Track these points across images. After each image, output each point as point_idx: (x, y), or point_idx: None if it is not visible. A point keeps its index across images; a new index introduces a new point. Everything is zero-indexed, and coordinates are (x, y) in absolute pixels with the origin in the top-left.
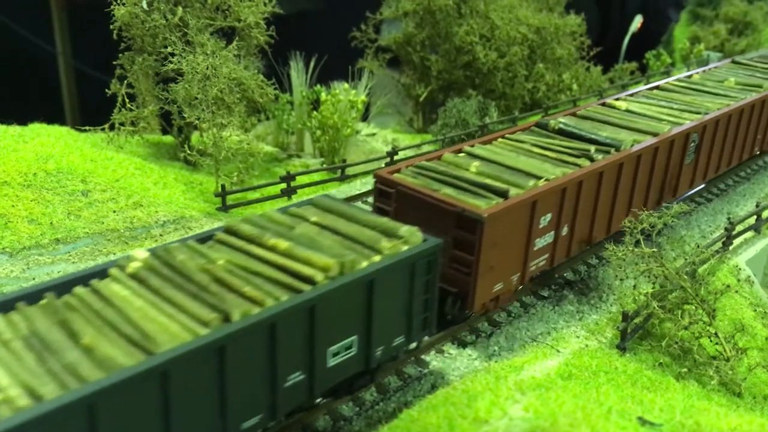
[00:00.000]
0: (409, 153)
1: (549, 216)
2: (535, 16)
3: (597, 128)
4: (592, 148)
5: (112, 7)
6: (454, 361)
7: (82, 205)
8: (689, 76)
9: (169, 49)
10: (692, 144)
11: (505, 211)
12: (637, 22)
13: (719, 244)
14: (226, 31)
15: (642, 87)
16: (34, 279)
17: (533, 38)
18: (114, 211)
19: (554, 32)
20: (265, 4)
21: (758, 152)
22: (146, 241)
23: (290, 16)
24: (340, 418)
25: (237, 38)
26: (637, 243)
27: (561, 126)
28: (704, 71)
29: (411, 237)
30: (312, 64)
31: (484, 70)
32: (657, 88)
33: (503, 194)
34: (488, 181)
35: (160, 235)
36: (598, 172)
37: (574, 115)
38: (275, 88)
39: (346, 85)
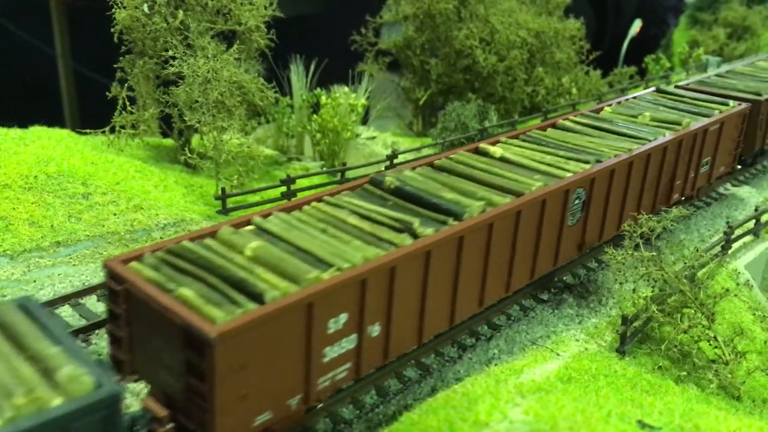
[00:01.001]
0: (409, 156)
1: (344, 316)
2: (534, 20)
3: (447, 186)
4: (416, 221)
5: (112, 10)
6: (453, 364)
7: (82, 208)
8: (599, 110)
9: (170, 53)
10: (577, 201)
11: (251, 325)
12: (637, 26)
13: (718, 248)
14: (226, 35)
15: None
16: (34, 281)
17: (533, 42)
18: (114, 214)
19: (554, 36)
20: (265, 8)
21: (682, 198)
22: (147, 244)
23: (290, 20)
24: (341, 421)
25: (237, 42)
26: (637, 247)
27: (397, 185)
28: (620, 102)
29: (71, 383)
30: (312, 67)
31: (483, 73)
32: (553, 126)
33: (257, 297)
34: (251, 275)
35: (161, 237)
36: (422, 252)
37: (431, 165)
38: (275, 92)
39: (346, 89)
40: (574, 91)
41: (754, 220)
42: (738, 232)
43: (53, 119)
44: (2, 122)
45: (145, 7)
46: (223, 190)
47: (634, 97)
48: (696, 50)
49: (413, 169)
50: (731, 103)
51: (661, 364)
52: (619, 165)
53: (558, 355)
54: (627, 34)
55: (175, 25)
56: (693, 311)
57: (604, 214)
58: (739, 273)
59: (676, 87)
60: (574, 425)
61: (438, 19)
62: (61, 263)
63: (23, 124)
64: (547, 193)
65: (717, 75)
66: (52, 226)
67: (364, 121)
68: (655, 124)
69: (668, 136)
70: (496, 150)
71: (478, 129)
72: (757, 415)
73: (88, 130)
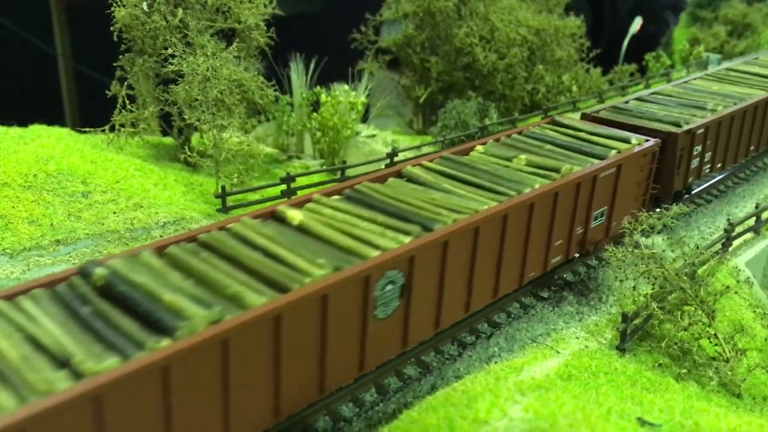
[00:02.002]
0: (409, 154)
1: None
2: (534, 18)
3: (196, 274)
4: (79, 354)
5: (112, 8)
6: (453, 362)
7: (82, 207)
8: (467, 150)
9: (170, 51)
10: (389, 287)
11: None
12: (637, 23)
13: (719, 246)
14: (226, 33)
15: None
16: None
17: (533, 40)
18: (114, 213)
19: (554, 34)
20: (265, 6)
21: (567, 260)
22: (146, 243)
23: (290, 18)
24: (340, 419)
25: (237, 40)
26: (637, 244)
27: (108, 280)
28: (499, 140)
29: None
30: (312, 65)
31: (483, 71)
32: (399, 174)
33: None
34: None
35: (161, 236)
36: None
37: (194, 240)
38: (275, 90)
39: (346, 87)
40: (574, 88)
41: (754, 217)
42: (738, 229)
43: (53, 118)
44: (2, 121)
45: (145, 6)
46: (223, 188)
47: (519, 133)
48: (696, 48)
49: (177, 244)
50: (634, 139)
51: (661, 362)
52: (457, 233)
53: (558, 352)
54: (626, 32)
55: (174, 23)
56: (693, 308)
57: (438, 299)
58: (739, 270)
59: (584, 116)
60: (574, 423)
61: (438, 17)
62: (60, 262)
63: (23, 123)
64: (329, 285)
65: (638, 99)
66: (51, 224)
67: (364, 119)
68: (530, 170)
69: (537, 188)
70: (295, 216)
71: (478, 127)
72: (757, 412)
73: (87, 129)
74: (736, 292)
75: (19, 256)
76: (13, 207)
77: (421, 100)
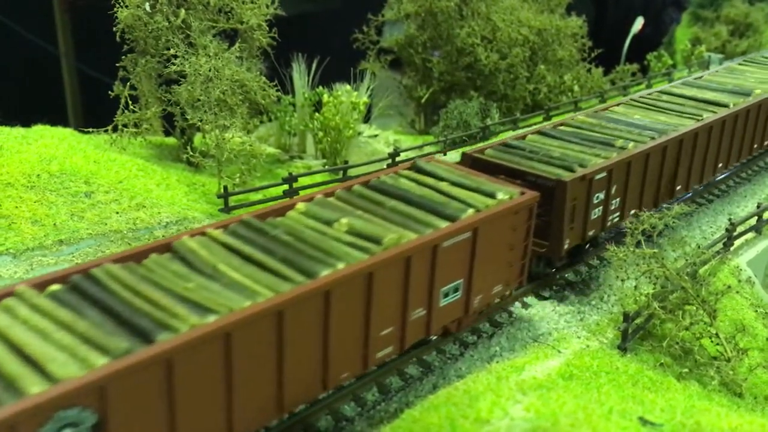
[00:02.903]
0: (411, 154)
1: None
2: (536, 18)
3: None
4: None
5: (115, 9)
6: (455, 361)
7: (85, 207)
8: (264, 215)
9: (172, 51)
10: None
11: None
12: (639, 23)
13: (720, 245)
14: (228, 33)
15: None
16: None
17: (534, 40)
18: (117, 213)
19: (555, 34)
20: (267, 6)
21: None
22: (149, 242)
23: (292, 18)
24: (342, 418)
25: (239, 40)
26: (638, 244)
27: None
28: (328, 195)
29: None
30: (314, 65)
31: (485, 71)
32: (168, 247)
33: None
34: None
35: (163, 236)
36: None
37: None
38: (277, 90)
39: (348, 87)
40: (576, 88)
41: (756, 217)
42: (740, 228)
43: (56, 118)
44: (5, 121)
45: (147, 6)
46: (225, 188)
47: (366, 184)
48: (698, 47)
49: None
50: (501, 194)
51: (662, 361)
52: (188, 347)
53: (559, 352)
54: (628, 31)
55: (176, 23)
56: (695, 308)
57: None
58: (741, 270)
59: (464, 156)
60: (575, 422)
61: (440, 17)
62: (63, 262)
63: (26, 123)
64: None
65: (539, 132)
66: (54, 224)
67: (366, 119)
68: (349, 239)
69: (340, 270)
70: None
71: (480, 127)
72: (759, 411)
73: (90, 129)
74: (737, 292)
75: (22, 255)
76: (17, 207)
77: (423, 100)
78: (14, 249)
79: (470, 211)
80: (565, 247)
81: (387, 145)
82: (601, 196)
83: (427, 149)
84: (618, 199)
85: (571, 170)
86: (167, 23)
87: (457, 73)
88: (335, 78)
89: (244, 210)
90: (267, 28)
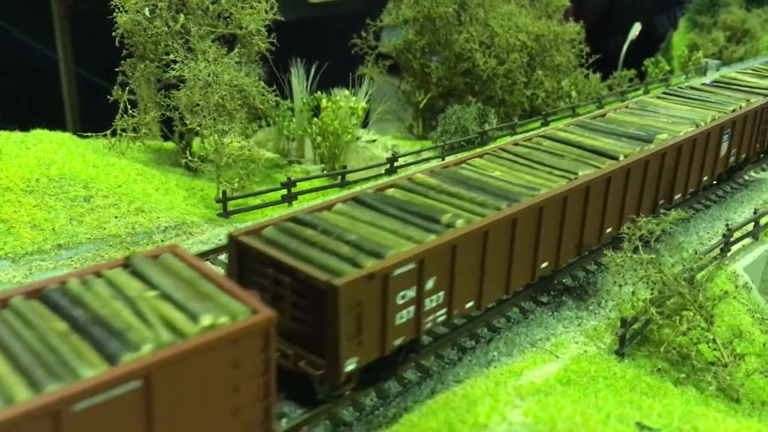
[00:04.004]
0: (409, 159)
1: None
2: (534, 24)
3: None
4: None
5: (114, 14)
6: (453, 366)
7: (84, 211)
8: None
9: (171, 56)
10: None
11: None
12: (636, 29)
13: (717, 251)
14: (227, 38)
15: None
16: None
17: (532, 45)
18: (116, 217)
19: (553, 39)
20: (266, 12)
21: None
22: (148, 247)
23: (291, 24)
24: (341, 423)
25: (238, 45)
26: (636, 249)
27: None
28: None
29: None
30: (312, 71)
31: (483, 76)
32: None
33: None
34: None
35: (162, 240)
36: None
37: None
38: (276, 95)
39: (347, 92)
40: (573, 94)
41: (753, 223)
42: (737, 234)
43: (55, 122)
44: (4, 125)
45: (147, 11)
46: (224, 193)
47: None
48: (695, 53)
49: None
50: (207, 319)
51: (660, 367)
52: None
53: (557, 357)
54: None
55: (176, 28)
56: (692, 313)
57: None
58: (738, 275)
59: (230, 241)
60: (573, 427)
61: (438, 23)
62: (62, 266)
63: (25, 128)
64: None
65: (355, 200)
66: (53, 229)
67: (365, 124)
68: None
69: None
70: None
71: (478, 132)
72: (756, 417)
73: (89, 134)
74: (734, 297)
75: (21, 260)
76: (15, 211)
77: (421, 105)
78: (13, 253)
79: (148, 347)
80: (347, 368)
81: (385, 150)
82: (411, 293)
83: (426, 154)
84: (441, 293)
85: (356, 265)
86: (166, 28)
87: (455, 78)
88: (334, 83)
89: (243, 214)
90: (266, 34)
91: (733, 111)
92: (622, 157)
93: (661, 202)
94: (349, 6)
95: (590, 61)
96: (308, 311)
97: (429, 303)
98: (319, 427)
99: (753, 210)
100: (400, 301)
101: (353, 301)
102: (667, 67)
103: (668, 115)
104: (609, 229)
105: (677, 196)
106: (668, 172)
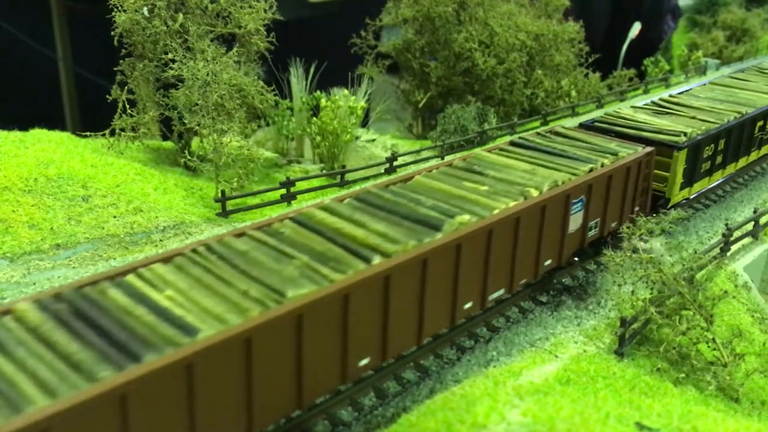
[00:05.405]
0: (409, 159)
1: None
2: (533, 23)
3: None
4: None
5: (113, 13)
6: (452, 366)
7: (82, 211)
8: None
9: (170, 56)
10: None
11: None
12: (636, 29)
13: (717, 250)
14: (226, 38)
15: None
16: (34, 284)
17: (532, 45)
18: (114, 217)
19: (553, 39)
20: (265, 11)
21: None
22: (146, 246)
23: (290, 23)
24: (339, 423)
25: (237, 45)
26: (635, 249)
27: None
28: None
29: None
30: (312, 70)
31: (483, 76)
32: None
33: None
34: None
35: (160, 240)
36: None
37: None
38: (275, 95)
39: (346, 92)
40: (573, 93)
41: (752, 222)
42: (737, 234)
43: (53, 122)
44: (2, 125)
45: (145, 11)
46: (222, 192)
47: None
48: (695, 53)
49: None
50: None
51: (659, 366)
52: None
53: (556, 357)
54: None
55: (174, 28)
56: (691, 313)
57: None
58: (737, 275)
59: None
60: (572, 427)
61: (437, 22)
62: (60, 266)
63: (23, 127)
64: None
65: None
66: (51, 228)
67: (364, 123)
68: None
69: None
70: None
71: (477, 131)
72: (755, 417)
73: (88, 133)
74: (734, 297)
75: (19, 260)
76: (14, 211)
77: (421, 105)
78: (11, 253)
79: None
80: None
81: (384, 149)
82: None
83: (425, 153)
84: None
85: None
86: (165, 27)
87: (454, 77)
88: (333, 82)
89: (241, 214)
90: (265, 33)
91: (591, 171)
92: (376, 260)
93: (468, 306)
94: (349, 6)
95: (590, 60)
96: None
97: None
98: (318, 426)
99: (753, 209)
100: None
101: None
102: (667, 67)
103: (496, 179)
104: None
105: (493, 296)
106: (471, 266)
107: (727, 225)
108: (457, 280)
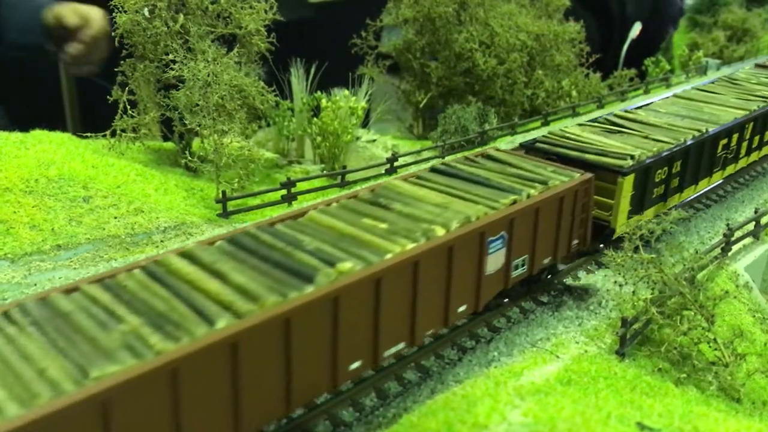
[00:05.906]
0: (409, 159)
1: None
2: (534, 23)
3: None
4: None
5: (113, 14)
6: (453, 366)
7: (83, 212)
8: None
9: (171, 56)
10: None
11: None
12: (636, 29)
13: (718, 250)
14: (227, 38)
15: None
16: (35, 285)
17: (532, 45)
18: (115, 217)
19: (553, 39)
20: (265, 12)
21: None
22: (147, 247)
23: (291, 24)
24: (340, 423)
25: (238, 45)
26: (636, 249)
27: None
28: None
29: None
30: (312, 70)
31: (483, 76)
32: None
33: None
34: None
35: (161, 240)
36: None
37: None
38: (276, 95)
39: (347, 92)
40: (574, 93)
41: (753, 222)
42: (738, 234)
43: (54, 123)
44: (3, 126)
45: (146, 12)
46: (223, 193)
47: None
48: (696, 53)
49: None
50: None
51: (660, 366)
52: None
53: (558, 357)
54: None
55: (175, 29)
56: (693, 313)
57: None
58: (738, 275)
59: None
60: (573, 427)
61: (438, 23)
62: (61, 267)
63: (24, 128)
64: None
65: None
66: (52, 229)
67: (365, 124)
68: None
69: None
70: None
71: (478, 132)
72: (757, 417)
73: (89, 134)
74: (735, 297)
75: (20, 260)
76: (15, 212)
77: (421, 105)
78: (12, 254)
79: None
80: None
81: (385, 150)
82: None
83: (426, 154)
84: None
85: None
86: (166, 28)
87: (455, 78)
88: (333, 83)
89: (242, 215)
90: (265, 33)
91: (514, 203)
92: (220, 323)
93: (355, 366)
94: (350, 6)
95: (590, 60)
96: None
97: None
98: (320, 426)
99: (754, 209)
100: None
101: None
102: (668, 67)
103: (401, 214)
104: None
105: (389, 351)
106: (354, 321)
107: (728, 225)
108: (337, 338)
